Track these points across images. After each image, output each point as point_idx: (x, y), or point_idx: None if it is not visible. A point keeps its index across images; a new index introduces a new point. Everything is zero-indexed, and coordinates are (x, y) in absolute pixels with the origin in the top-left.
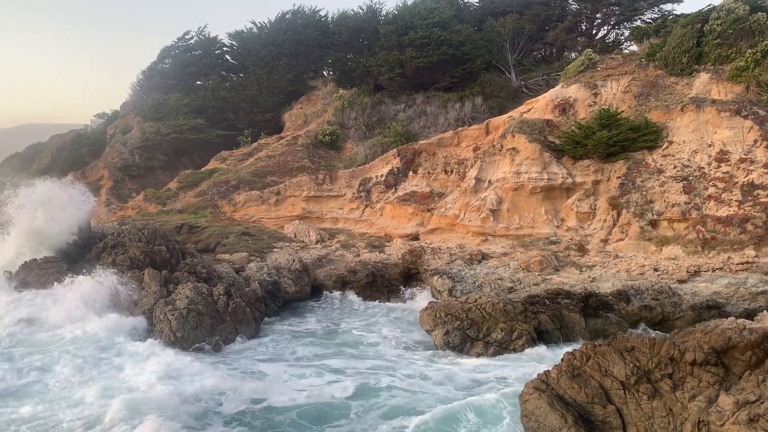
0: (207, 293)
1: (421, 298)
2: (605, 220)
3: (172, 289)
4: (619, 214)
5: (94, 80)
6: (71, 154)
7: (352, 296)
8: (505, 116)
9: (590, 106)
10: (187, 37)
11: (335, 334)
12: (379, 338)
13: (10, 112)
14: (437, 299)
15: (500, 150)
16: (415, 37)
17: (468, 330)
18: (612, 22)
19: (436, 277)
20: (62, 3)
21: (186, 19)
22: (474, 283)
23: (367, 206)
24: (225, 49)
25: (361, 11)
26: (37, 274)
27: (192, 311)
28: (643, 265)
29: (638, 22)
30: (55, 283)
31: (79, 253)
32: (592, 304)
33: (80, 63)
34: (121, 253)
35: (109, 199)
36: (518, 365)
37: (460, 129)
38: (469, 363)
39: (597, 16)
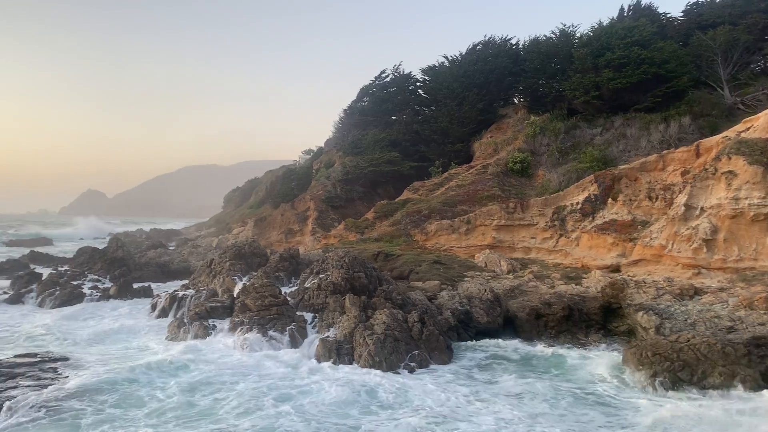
0: (402, 320)
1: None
2: None
3: (370, 314)
4: None
5: (301, 119)
6: (282, 188)
7: (544, 331)
8: (718, 136)
9: None
10: (383, 75)
11: (535, 372)
12: (579, 377)
13: (232, 151)
14: (643, 337)
15: (714, 174)
16: (613, 57)
17: (680, 372)
18: None
19: (641, 313)
20: (268, 59)
21: (383, 58)
22: (685, 320)
23: (561, 235)
24: (418, 84)
25: (554, 36)
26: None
27: (389, 337)
28: None
29: None
30: None
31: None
32: None
33: (290, 104)
34: (325, 279)
35: (314, 229)
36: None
37: (665, 152)
38: (684, 406)
39: None
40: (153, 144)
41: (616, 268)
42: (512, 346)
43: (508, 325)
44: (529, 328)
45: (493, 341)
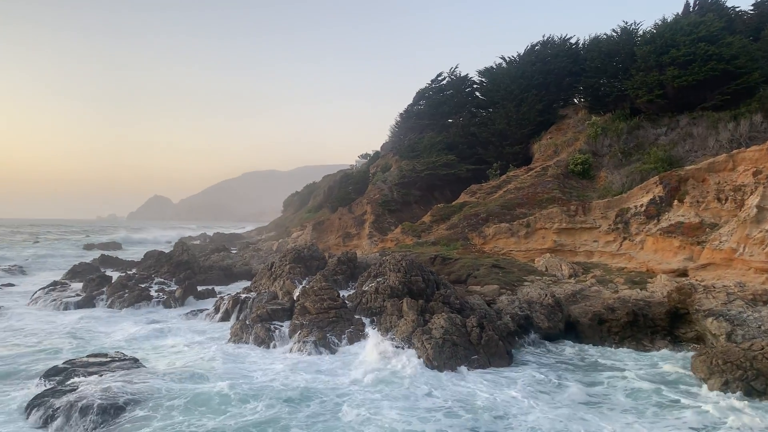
0: (460, 324)
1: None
2: None
3: (428, 319)
4: None
5: (359, 125)
6: (340, 192)
7: (607, 336)
8: None
9: None
10: (439, 78)
11: (604, 379)
12: (648, 384)
13: (291, 157)
14: (712, 344)
15: None
16: (678, 54)
17: (753, 381)
18: None
19: (710, 319)
20: (328, 68)
21: (440, 61)
22: (759, 327)
23: (625, 239)
24: (475, 86)
25: (615, 34)
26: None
27: (447, 341)
28: None
29: None
30: None
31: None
32: None
33: (345, 110)
34: (382, 282)
35: (371, 232)
36: None
37: (735, 151)
38: (758, 419)
39: None
40: (216, 151)
41: (683, 273)
42: (575, 352)
43: (570, 331)
44: (591, 333)
45: (554, 347)
